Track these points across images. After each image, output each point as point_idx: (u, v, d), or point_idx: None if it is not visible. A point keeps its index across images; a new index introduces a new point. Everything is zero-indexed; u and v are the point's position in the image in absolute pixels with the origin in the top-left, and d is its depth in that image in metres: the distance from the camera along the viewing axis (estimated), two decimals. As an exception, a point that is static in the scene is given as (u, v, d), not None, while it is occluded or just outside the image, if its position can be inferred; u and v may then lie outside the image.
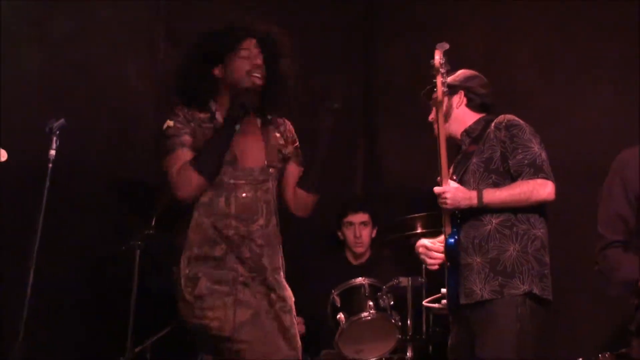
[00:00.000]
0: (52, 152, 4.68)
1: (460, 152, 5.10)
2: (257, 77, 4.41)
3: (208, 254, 4.37)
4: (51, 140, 4.68)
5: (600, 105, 6.21)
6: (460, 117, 5.11)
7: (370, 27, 7.80)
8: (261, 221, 4.40)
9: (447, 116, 5.11)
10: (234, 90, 4.42)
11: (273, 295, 4.39)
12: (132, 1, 6.76)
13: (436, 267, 5.02)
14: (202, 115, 4.44)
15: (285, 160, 4.65)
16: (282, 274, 4.50)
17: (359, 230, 6.78)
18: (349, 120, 7.70)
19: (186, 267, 4.37)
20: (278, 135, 4.65)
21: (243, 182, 4.39)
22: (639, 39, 5.91)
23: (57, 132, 4.68)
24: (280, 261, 4.52)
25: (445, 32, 6.89)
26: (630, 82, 5.86)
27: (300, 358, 4.49)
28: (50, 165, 4.64)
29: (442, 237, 4.95)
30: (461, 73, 5.19)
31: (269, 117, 4.66)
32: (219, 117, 4.44)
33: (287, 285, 4.50)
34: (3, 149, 5.99)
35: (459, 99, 5.12)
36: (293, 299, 4.52)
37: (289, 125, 4.76)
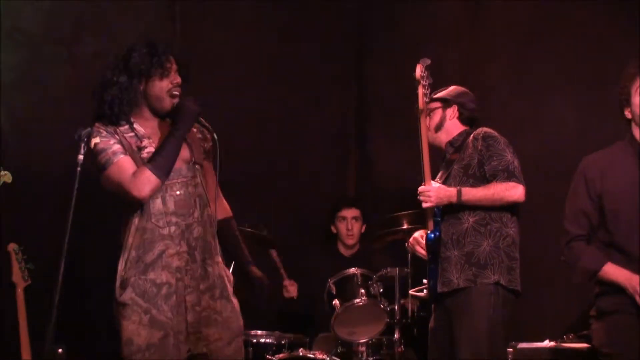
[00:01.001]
0: (80, 157, 4.65)
1: (444, 160, 5.13)
2: (176, 95, 4.30)
3: (141, 258, 4.26)
4: (79, 147, 4.67)
5: (565, 115, 6.22)
6: (450, 128, 5.14)
7: (362, 44, 7.77)
8: (196, 214, 4.30)
9: (439, 126, 5.14)
10: (157, 102, 4.32)
11: (202, 286, 4.26)
12: (150, 24, 6.75)
13: (424, 254, 5.05)
14: (121, 127, 4.32)
15: (207, 154, 4.52)
16: (216, 259, 4.37)
17: (351, 224, 6.80)
18: (343, 127, 7.73)
19: (122, 270, 4.31)
20: (195, 130, 4.48)
21: (174, 181, 4.27)
22: (599, 58, 5.93)
23: (85, 139, 4.67)
24: (216, 246, 4.40)
25: (427, 49, 6.90)
26: (592, 95, 5.88)
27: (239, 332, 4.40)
28: (79, 168, 4.63)
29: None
30: (454, 89, 5.21)
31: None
32: (137, 127, 4.33)
33: (219, 269, 4.36)
34: (36, 155, 6.04)
35: (452, 112, 5.14)
36: (229, 279, 4.40)
37: (202, 120, 4.48)
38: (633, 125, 4.48)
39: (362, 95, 7.67)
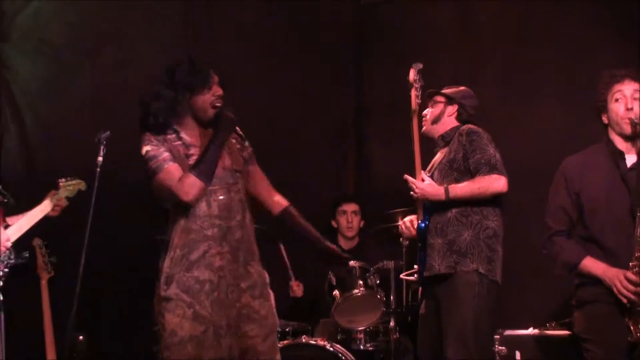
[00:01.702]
0: (100, 159, 4.69)
1: (434, 152, 5.16)
2: (218, 106, 4.35)
3: (186, 257, 4.26)
4: (99, 149, 4.69)
5: (549, 119, 6.23)
6: (446, 123, 5.16)
7: (360, 50, 7.78)
8: (238, 217, 4.31)
9: (437, 119, 5.17)
10: (201, 113, 4.36)
11: (243, 285, 4.28)
12: (164, 36, 6.77)
13: (409, 235, 5.17)
14: (169, 136, 4.35)
15: (246, 161, 4.52)
16: (255, 262, 4.38)
17: (351, 217, 6.81)
18: (342, 129, 7.74)
19: (167, 267, 4.30)
20: (234, 140, 4.51)
21: (218, 186, 4.29)
22: (582, 65, 5.94)
23: (104, 142, 4.70)
24: (256, 248, 4.41)
25: (421, 54, 6.89)
26: (573, 101, 5.88)
27: (274, 329, 4.40)
28: (98, 169, 4.65)
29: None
30: (462, 90, 5.23)
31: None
32: (183, 135, 4.36)
33: (258, 270, 4.37)
34: (62, 158, 6.06)
35: (451, 110, 5.17)
36: (265, 279, 4.40)
37: (239, 130, 4.58)
38: (609, 129, 4.49)
39: (361, 99, 7.68)
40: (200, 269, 4.24)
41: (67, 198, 5.22)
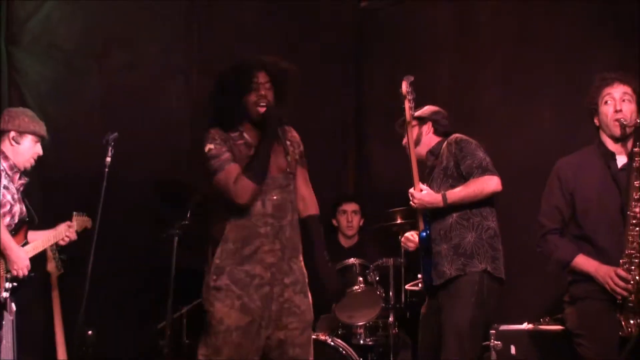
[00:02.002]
0: (108, 159, 4.71)
1: (427, 167, 5.17)
2: (262, 106, 4.34)
3: (239, 251, 4.30)
4: (107, 150, 4.72)
5: (545, 122, 6.20)
6: (427, 141, 5.18)
7: (360, 53, 7.78)
8: (289, 217, 4.35)
9: (418, 141, 5.17)
10: (250, 113, 4.35)
11: (287, 280, 4.32)
12: (172, 40, 6.79)
13: (413, 248, 5.14)
14: (232, 134, 4.37)
15: (298, 162, 4.54)
16: (298, 259, 4.41)
17: (351, 217, 6.81)
18: (343, 130, 7.75)
19: (218, 258, 4.32)
20: (289, 143, 4.53)
21: (272, 187, 4.32)
22: (576, 69, 5.93)
23: (112, 143, 4.72)
24: (300, 247, 4.43)
25: (421, 58, 6.96)
26: (568, 105, 5.85)
27: (310, 323, 4.44)
28: (107, 169, 4.68)
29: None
30: (428, 108, 5.24)
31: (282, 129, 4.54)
32: (245, 135, 4.38)
33: (300, 267, 4.40)
34: (71, 159, 6.08)
35: (427, 128, 5.19)
36: (305, 276, 4.43)
37: (294, 132, 4.61)
38: (601, 131, 4.51)
39: (361, 99, 7.68)
40: (251, 264, 4.29)
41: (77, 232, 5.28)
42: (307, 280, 4.41)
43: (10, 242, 4.82)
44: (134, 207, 6.19)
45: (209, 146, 4.35)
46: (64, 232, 5.23)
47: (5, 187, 4.89)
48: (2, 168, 4.90)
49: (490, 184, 4.83)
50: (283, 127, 4.49)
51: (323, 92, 7.31)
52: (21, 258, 4.87)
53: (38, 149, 5.14)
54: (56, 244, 5.50)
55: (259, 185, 4.27)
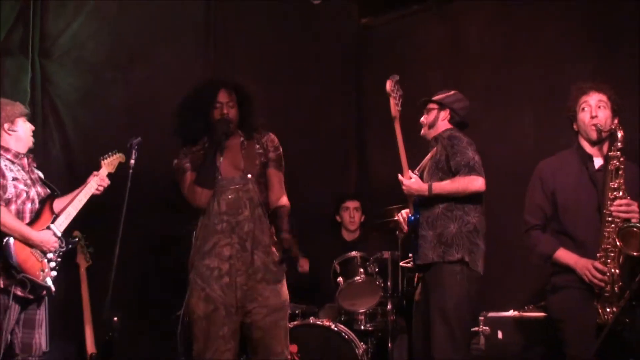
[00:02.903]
0: (132, 162, 4.70)
1: (429, 150, 5.13)
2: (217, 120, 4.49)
3: (201, 248, 4.42)
4: (131, 153, 4.71)
5: (527, 127, 6.20)
6: (440, 127, 5.13)
7: (360, 69, 7.77)
8: (246, 212, 4.38)
9: (432, 124, 5.15)
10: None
11: (250, 270, 4.36)
12: (190, 53, 6.78)
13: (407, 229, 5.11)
14: (196, 147, 4.55)
15: (264, 165, 4.56)
16: (266, 250, 4.42)
17: (353, 213, 6.80)
18: (345, 134, 7.73)
19: (191, 256, 4.49)
20: (258, 146, 4.58)
21: (228, 187, 4.40)
22: (555, 80, 5.93)
23: (136, 147, 4.71)
24: (266, 239, 4.44)
25: (415, 69, 6.95)
26: (548, 112, 5.87)
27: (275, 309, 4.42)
28: (131, 170, 4.67)
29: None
30: (452, 94, 5.20)
31: (246, 135, 4.61)
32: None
33: (262, 258, 4.38)
34: (96, 160, 6.01)
35: (445, 115, 5.13)
36: (269, 265, 4.41)
37: (271, 137, 4.66)
38: (579, 136, 4.52)
39: (361, 109, 7.66)
40: (210, 258, 4.38)
41: (109, 175, 5.17)
42: (272, 269, 4.41)
43: (27, 232, 4.72)
44: (155, 206, 6.18)
45: (175, 161, 4.58)
46: (95, 183, 5.09)
47: (15, 179, 4.79)
48: (5, 164, 4.78)
49: (475, 183, 4.82)
50: (226, 138, 4.49)
51: (327, 101, 7.33)
52: (43, 239, 4.77)
53: (29, 126, 5.01)
54: (85, 237, 5.50)
55: (206, 189, 4.39)
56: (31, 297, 4.74)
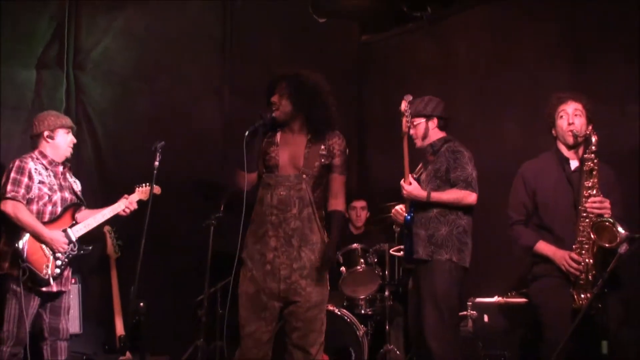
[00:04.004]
0: (156, 163, 4.68)
1: (424, 158, 5.10)
2: (272, 111, 4.26)
3: (255, 232, 4.27)
4: (155, 155, 4.71)
5: (511, 133, 6.17)
6: (432, 136, 5.07)
7: (361, 75, 7.76)
8: (294, 211, 4.19)
9: (425, 135, 5.06)
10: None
11: (295, 265, 4.21)
12: (209, 66, 6.81)
13: (401, 220, 5.04)
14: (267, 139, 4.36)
15: (327, 168, 4.30)
16: (313, 248, 4.23)
17: (360, 212, 6.80)
18: (347, 141, 7.67)
19: (246, 238, 4.31)
20: (323, 147, 4.28)
21: (282, 184, 4.21)
22: (537, 90, 5.92)
23: (160, 150, 4.70)
24: (314, 238, 4.24)
25: (410, 82, 6.93)
26: (530, 119, 5.83)
27: (315, 304, 4.28)
28: (155, 172, 4.66)
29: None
30: (429, 102, 5.10)
31: (313, 135, 4.31)
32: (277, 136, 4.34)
33: (308, 256, 4.22)
34: (126, 163, 6.08)
35: (433, 124, 5.07)
36: (315, 263, 4.23)
37: (337, 140, 4.33)
38: (557, 140, 4.53)
39: (361, 117, 7.65)
40: (260, 244, 4.25)
41: (140, 202, 5.17)
42: (317, 267, 4.23)
43: (40, 228, 4.74)
44: (177, 202, 6.18)
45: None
46: (124, 204, 5.10)
47: (41, 182, 4.83)
48: (36, 167, 4.81)
49: (468, 198, 4.82)
50: (256, 130, 4.24)
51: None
52: (55, 238, 4.79)
53: (71, 138, 5.02)
54: (115, 231, 5.51)
55: (246, 172, 4.21)
56: (38, 288, 4.73)
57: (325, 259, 4.23)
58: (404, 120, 4.82)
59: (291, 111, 4.28)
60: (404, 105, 4.82)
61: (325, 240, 4.29)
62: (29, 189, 4.76)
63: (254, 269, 4.24)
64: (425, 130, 5.08)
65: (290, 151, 4.29)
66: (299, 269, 4.21)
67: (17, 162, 4.77)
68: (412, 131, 5.04)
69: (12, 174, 4.72)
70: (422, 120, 5.07)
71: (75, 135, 5.06)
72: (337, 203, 4.35)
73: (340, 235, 4.34)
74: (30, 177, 4.77)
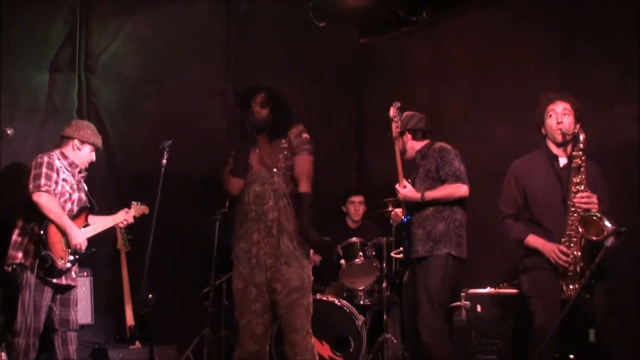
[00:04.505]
0: (164, 161, 4.68)
1: (414, 165, 5.15)
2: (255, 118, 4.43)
3: (237, 232, 4.40)
4: (163, 154, 4.71)
5: (502, 132, 6.17)
6: (412, 147, 5.16)
7: (360, 76, 7.75)
8: (270, 203, 4.30)
9: (404, 151, 5.15)
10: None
11: (277, 253, 4.29)
12: (212, 69, 6.80)
13: (398, 222, 5.11)
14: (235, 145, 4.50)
15: (287, 158, 4.41)
16: (291, 236, 4.31)
17: (358, 206, 6.77)
18: (347, 140, 7.72)
19: (232, 239, 4.44)
20: (283, 141, 4.43)
21: (254, 181, 4.35)
22: (527, 91, 5.89)
23: (167, 148, 4.70)
24: (291, 227, 4.33)
25: (405, 85, 6.93)
26: (520, 119, 5.84)
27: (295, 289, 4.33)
28: (163, 169, 4.66)
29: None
30: (404, 118, 5.14)
31: (273, 133, 4.46)
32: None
33: (286, 243, 4.29)
34: (135, 161, 6.08)
35: (406, 138, 5.16)
36: (299, 251, 4.32)
37: (294, 130, 4.45)
38: (547, 139, 4.54)
39: (361, 115, 7.64)
40: (243, 241, 4.35)
41: (135, 217, 5.29)
42: (296, 254, 4.30)
43: (69, 223, 4.81)
44: (184, 199, 6.19)
45: (220, 156, 4.52)
46: (122, 217, 5.24)
47: (64, 180, 4.89)
48: (60, 165, 4.89)
49: (460, 191, 4.87)
50: (249, 135, 4.42)
51: (331, 109, 7.33)
52: (79, 236, 4.84)
53: (92, 157, 5.12)
54: (124, 228, 5.52)
55: (238, 178, 4.36)
56: (49, 279, 4.76)
57: (300, 240, 4.32)
58: (394, 125, 4.88)
59: (266, 120, 4.43)
60: (392, 112, 4.92)
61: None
62: (56, 184, 4.82)
63: (240, 266, 4.34)
64: (404, 145, 5.16)
65: (257, 152, 4.42)
66: (280, 256, 4.29)
67: (45, 158, 4.82)
68: (396, 147, 5.08)
69: (44, 169, 4.77)
70: (395, 136, 5.08)
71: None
72: (301, 186, 4.39)
73: (309, 215, 4.36)
74: (58, 174, 4.84)
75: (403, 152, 5.14)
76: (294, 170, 4.40)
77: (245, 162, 4.39)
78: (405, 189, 4.91)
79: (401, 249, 5.15)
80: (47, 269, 4.70)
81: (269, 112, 4.42)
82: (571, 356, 4.52)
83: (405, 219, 4.97)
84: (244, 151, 4.40)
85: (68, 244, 4.82)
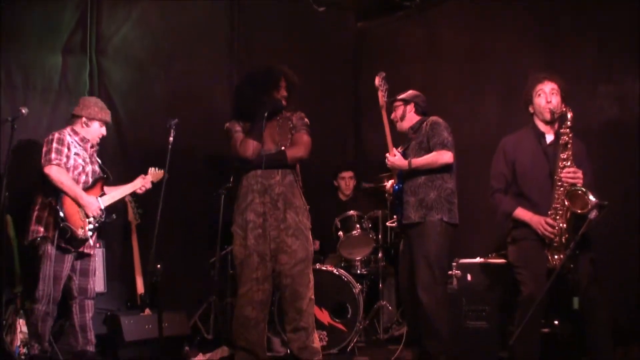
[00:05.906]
0: (171, 139, 4.64)
1: (407, 138, 5.11)
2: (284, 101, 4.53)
3: (241, 204, 4.42)
4: (170, 132, 4.65)
5: (492, 111, 6.16)
6: (410, 118, 5.12)
7: (357, 59, 7.64)
8: (277, 177, 4.38)
9: (402, 117, 5.14)
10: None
11: (282, 226, 4.35)
12: (219, 53, 6.68)
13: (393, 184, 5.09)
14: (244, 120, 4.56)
15: (292, 135, 4.54)
16: (297, 210, 4.41)
17: (348, 181, 6.71)
18: (344, 120, 7.63)
19: (234, 212, 4.47)
20: (290, 123, 4.57)
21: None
22: (514, 74, 5.83)
23: (173, 127, 4.65)
24: (297, 202, 4.43)
25: (400, 68, 6.84)
26: (508, 97, 5.81)
27: (301, 260, 4.41)
28: (170, 146, 4.61)
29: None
30: (411, 92, 5.17)
31: (284, 115, 4.62)
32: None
33: (293, 217, 4.39)
34: (144, 138, 6.01)
35: (410, 108, 5.12)
36: (304, 225, 4.44)
37: (297, 115, 4.64)
38: (534, 117, 4.48)
39: (358, 96, 7.57)
40: (248, 212, 4.38)
41: (152, 182, 5.25)
42: (301, 227, 4.40)
43: (80, 193, 4.79)
44: (191, 174, 6.17)
45: (226, 125, 4.61)
46: (140, 183, 5.19)
47: (77, 154, 4.88)
48: (72, 141, 4.86)
49: (444, 157, 4.81)
50: (275, 114, 4.52)
51: (330, 91, 7.27)
52: (91, 202, 4.84)
53: (103, 131, 5.08)
54: (135, 200, 5.47)
55: (256, 141, 4.37)
56: (71, 248, 4.74)
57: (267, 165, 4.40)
58: (380, 94, 4.92)
59: (285, 102, 4.58)
60: (377, 81, 4.98)
61: (306, 206, 4.49)
62: (68, 158, 4.80)
63: (245, 236, 4.35)
64: (403, 112, 5.13)
65: (268, 131, 4.48)
66: (285, 228, 4.34)
67: (56, 135, 4.82)
68: (392, 114, 5.14)
69: (55, 144, 4.76)
70: (401, 104, 5.14)
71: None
72: (290, 148, 4.48)
73: (277, 157, 4.44)
74: (69, 148, 4.82)
75: (401, 117, 5.12)
76: (293, 141, 4.50)
77: (260, 133, 4.41)
78: (395, 157, 4.89)
79: (395, 218, 5.08)
80: (68, 239, 4.70)
81: (287, 95, 4.56)
82: (556, 322, 4.52)
83: (397, 187, 4.95)
84: (257, 126, 4.41)
85: (86, 213, 4.81)
